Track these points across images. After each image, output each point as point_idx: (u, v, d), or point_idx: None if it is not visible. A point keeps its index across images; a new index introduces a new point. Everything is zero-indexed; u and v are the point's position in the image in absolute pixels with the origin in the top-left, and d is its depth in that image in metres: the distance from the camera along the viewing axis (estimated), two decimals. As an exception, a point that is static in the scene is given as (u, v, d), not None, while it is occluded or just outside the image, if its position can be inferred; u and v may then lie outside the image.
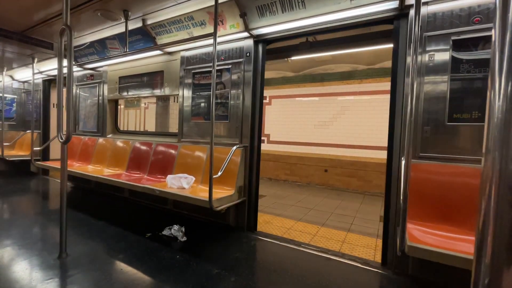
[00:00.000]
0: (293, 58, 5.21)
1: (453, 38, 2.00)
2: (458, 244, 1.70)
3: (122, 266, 2.17)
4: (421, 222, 1.97)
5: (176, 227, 2.83)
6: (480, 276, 0.49)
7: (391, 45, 2.31)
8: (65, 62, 2.22)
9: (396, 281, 2.10)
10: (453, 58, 2.01)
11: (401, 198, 1.57)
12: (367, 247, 2.74)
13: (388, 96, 2.36)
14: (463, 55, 1.98)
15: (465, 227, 1.85)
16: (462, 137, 1.99)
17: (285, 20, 2.61)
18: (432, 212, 1.98)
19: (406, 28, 2.22)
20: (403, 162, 1.64)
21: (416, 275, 2.10)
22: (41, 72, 5.50)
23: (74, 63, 4.39)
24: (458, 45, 1.99)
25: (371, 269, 2.26)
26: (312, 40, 4.14)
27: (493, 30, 0.49)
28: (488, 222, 0.48)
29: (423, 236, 1.79)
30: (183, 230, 2.81)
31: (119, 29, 3.59)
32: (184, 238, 2.72)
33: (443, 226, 1.90)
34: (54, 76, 5.54)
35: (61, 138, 2.20)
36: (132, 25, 3.45)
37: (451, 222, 1.91)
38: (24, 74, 5.86)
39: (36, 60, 4.72)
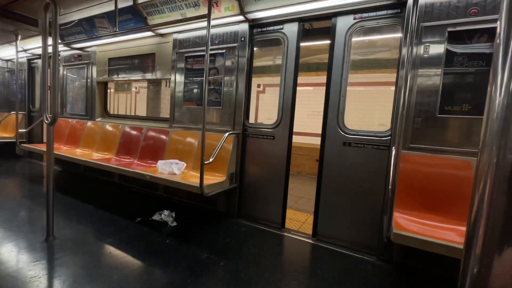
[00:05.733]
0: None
1: (449, 29, 1.99)
2: (441, 232, 1.76)
3: (110, 249, 2.17)
4: (407, 211, 2.02)
5: (166, 212, 2.83)
6: (469, 265, 0.49)
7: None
8: (50, 41, 2.12)
9: (381, 267, 2.18)
10: (447, 50, 2.00)
11: (389, 187, 1.60)
12: (354, 235, 2.81)
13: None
14: (458, 48, 1.98)
15: (449, 216, 1.91)
16: (451, 129, 2.02)
17: (282, 4, 2.53)
18: (418, 201, 2.03)
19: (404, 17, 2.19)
20: (393, 153, 1.66)
21: (400, 261, 2.18)
22: (25, 51, 5.25)
23: (60, 41, 4.19)
24: (453, 37, 1.98)
25: (357, 255, 2.32)
26: (308, 27, 4.06)
27: (498, 22, 0.47)
28: (481, 212, 0.48)
29: (409, 224, 1.85)
30: (174, 215, 2.81)
31: (109, 7, 3.43)
32: (174, 223, 2.72)
33: (429, 215, 1.96)
34: (39, 55, 5.30)
35: (47, 119, 2.12)
36: (122, 3, 3.29)
37: (436, 211, 1.96)
38: (7, 52, 5.58)
39: (19, 37, 4.47)
